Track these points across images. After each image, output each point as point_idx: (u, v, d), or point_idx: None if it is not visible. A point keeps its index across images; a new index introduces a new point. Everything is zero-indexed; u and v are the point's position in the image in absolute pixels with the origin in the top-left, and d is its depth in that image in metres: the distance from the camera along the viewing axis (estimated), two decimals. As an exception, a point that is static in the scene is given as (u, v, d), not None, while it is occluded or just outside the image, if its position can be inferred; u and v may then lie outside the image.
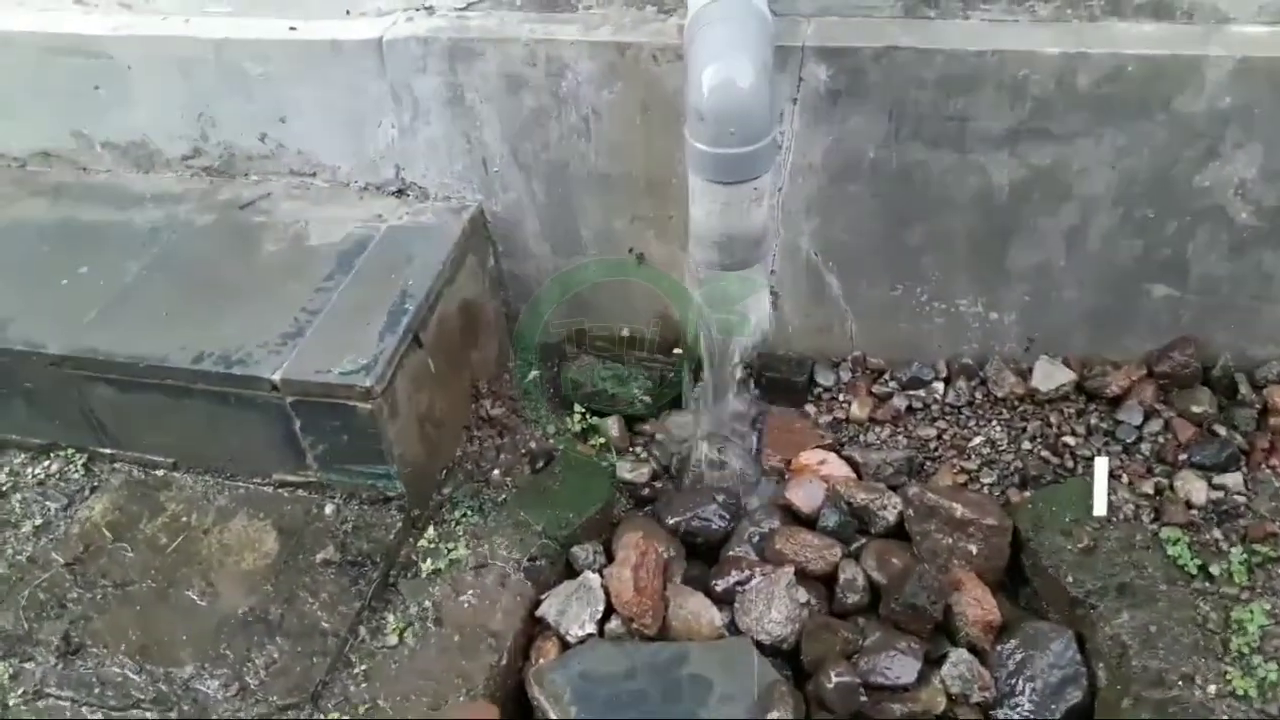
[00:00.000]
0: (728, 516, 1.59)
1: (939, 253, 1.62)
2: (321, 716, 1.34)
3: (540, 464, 1.69)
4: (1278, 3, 1.36)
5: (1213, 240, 1.50)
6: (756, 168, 1.30)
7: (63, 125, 1.85)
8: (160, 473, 1.65)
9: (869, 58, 1.43)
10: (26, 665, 1.42)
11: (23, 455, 1.70)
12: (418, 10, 1.58)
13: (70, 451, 1.68)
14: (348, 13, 1.61)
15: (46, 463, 1.69)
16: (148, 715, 1.35)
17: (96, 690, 1.39)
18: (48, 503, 1.63)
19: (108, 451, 1.67)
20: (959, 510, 1.48)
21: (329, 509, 1.57)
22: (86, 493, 1.64)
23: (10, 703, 1.39)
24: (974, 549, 1.47)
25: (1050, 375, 1.65)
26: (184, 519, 1.58)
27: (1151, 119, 1.40)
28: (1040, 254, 1.58)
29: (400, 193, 1.76)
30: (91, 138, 1.86)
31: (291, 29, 1.62)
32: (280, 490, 1.60)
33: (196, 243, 1.72)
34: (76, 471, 1.67)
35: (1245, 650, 1.29)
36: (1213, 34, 1.38)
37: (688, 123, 1.30)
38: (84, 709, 1.37)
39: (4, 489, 1.65)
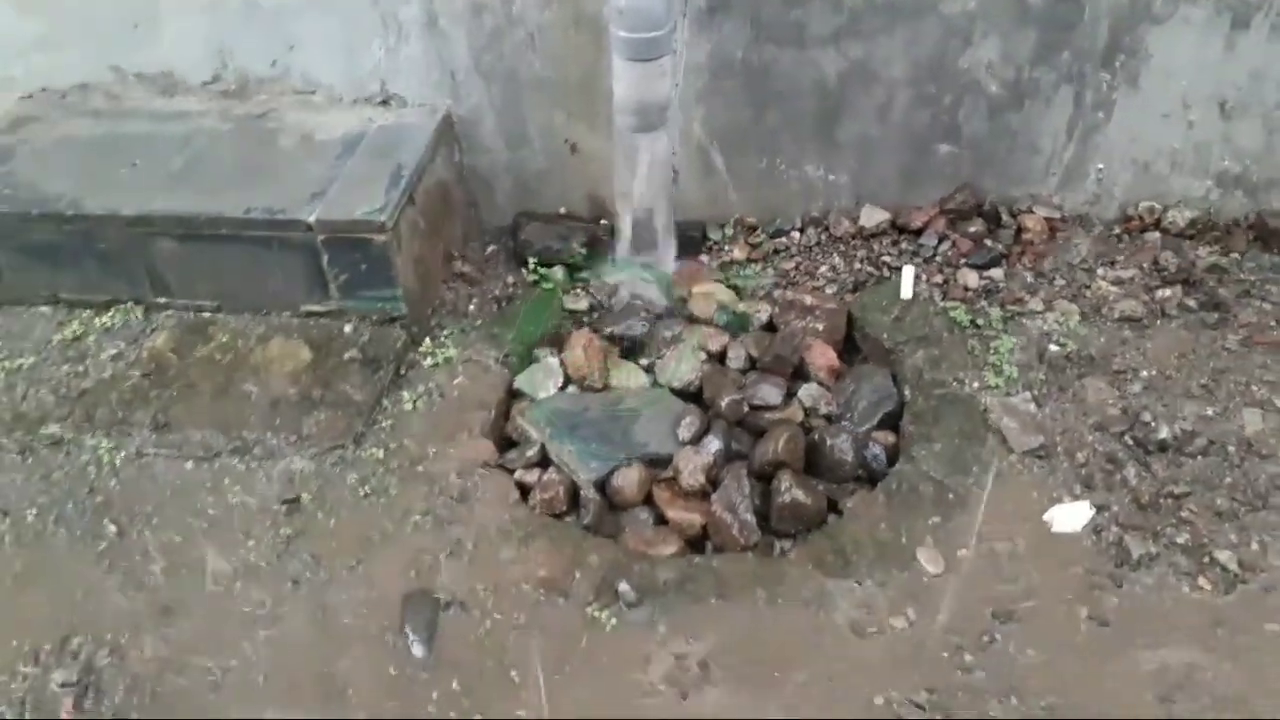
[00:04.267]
0: (648, 324, 2.15)
1: (791, 131, 2.22)
2: (362, 452, 1.85)
3: (504, 303, 2.23)
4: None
5: (974, 107, 2.14)
6: (660, 47, 1.89)
7: (102, 60, 2.30)
8: (207, 314, 2.12)
9: (733, -21, 2.04)
10: (126, 439, 1.88)
11: (88, 311, 2.14)
12: (402, -46, 2.12)
13: (130, 304, 2.13)
14: (344, -45, 2.14)
15: (110, 314, 2.13)
16: (230, 460, 1.84)
17: (186, 448, 1.86)
18: (118, 340, 2.08)
19: (162, 301, 2.12)
20: (808, 299, 2.09)
21: (348, 328, 2.07)
22: (148, 332, 2.09)
23: (117, 463, 1.84)
24: (820, 326, 2.07)
25: (872, 217, 2.27)
26: (231, 344, 2.06)
27: (926, 20, 2.03)
28: (860, 127, 2.19)
29: (385, 102, 2.27)
30: (125, 70, 2.31)
31: (300, -28, 2.14)
32: (307, 319, 2.09)
33: (225, 142, 2.20)
34: (136, 320, 2.12)
35: (997, 362, 1.91)
36: (961, -40, 2.03)
37: (611, 19, 1.87)
38: (179, 462, 1.84)
39: (80, 335, 2.09)
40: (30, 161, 2.16)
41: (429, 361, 2.03)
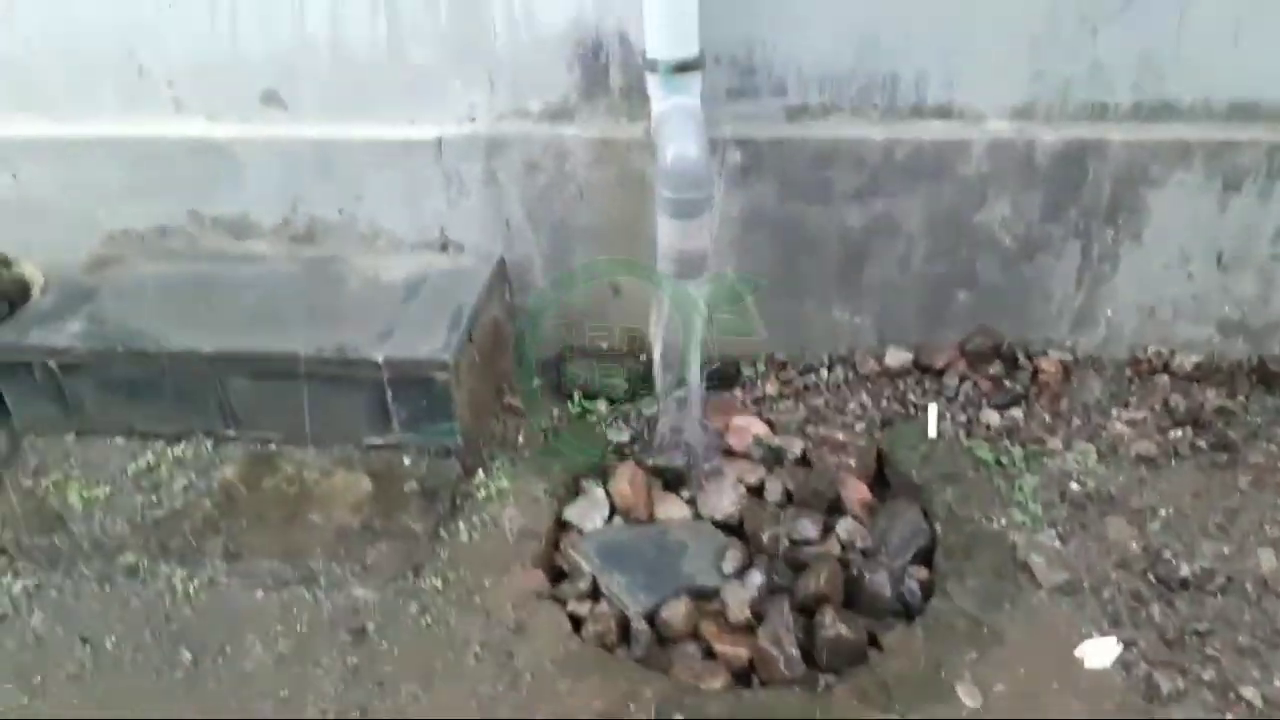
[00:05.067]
0: (687, 457, 2.28)
1: (818, 276, 2.39)
2: (422, 582, 1.95)
3: (550, 434, 2.36)
4: (1012, 107, 2.21)
5: (989, 258, 2.31)
6: (701, 207, 2.07)
7: (182, 205, 2.49)
8: (273, 447, 2.25)
9: (766, 145, 2.23)
10: (199, 567, 1.98)
11: (161, 442, 2.27)
12: (464, 119, 2.32)
13: (201, 436, 2.27)
14: (412, 121, 2.34)
15: (182, 445, 2.26)
16: (298, 589, 1.94)
17: (256, 577, 1.96)
18: (189, 471, 2.21)
19: (232, 433, 2.26)
20: (840, 436, 2.22)
21: (407, 460, 2.19)
22: (218, 464, 2.21)
23: (191, 592, 1.94)
24: (852, 462, 2.20)
25: (897, 357, 2.42)
26: (297, 475, 2.18)
27: (943, 180, 2.23)
28: (883, 274, 2.37)
29: (444, 247, 2.45)
30: (203, 215, 2.50)
31: (371, 133, 2.35)
32: (368, 452, 2.22)
33: (295, 283, 2.37)
34: (207, 451, 2.24)
35: (1022, 500, 2.03)
36: (975, 126, 2.21)
37: (658, 180, 2.06)
38: (250, 590, 1.94)
39: (153, 465, 2.21)
40: (114, 300, 2.32)
41: (482, 493, 2.15)
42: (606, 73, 2.24)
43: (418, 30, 2.21)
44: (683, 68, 2.04)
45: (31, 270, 2.45)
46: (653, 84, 2.08)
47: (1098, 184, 2.19)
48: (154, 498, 2.13)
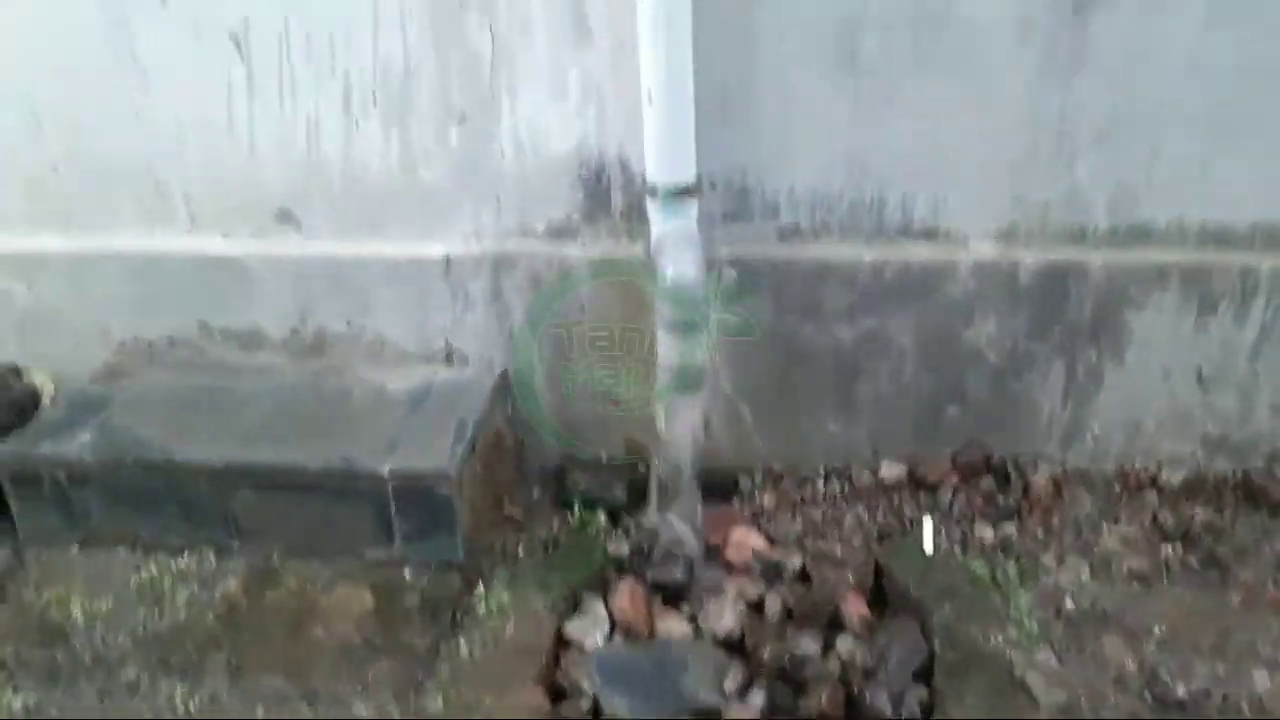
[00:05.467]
0: (687, 572, 2.30)
1: (812, 390, 2.45)
2: (424, 700, 1.95)
3: (550, 546, 2.39)
4: (995, 229, 2.31)
5: (977, 375, 2.38)
6: (699, 326, 2.15)
7: (192, 317, 2.55)
8: (276, 559, 2.27)
9: (760, 264, 2.32)
10: (200, 685, 1.97)
11: (164, 554, 2.28)
12: (472, 238, 2.41)
13: (204, 548, 2.28)
14: (421, 239, 2.42)
15: (185, 558, 2.27)
16: (300, 706, 1.93)
17: (257, 694, 1.96)
18: (192, 584, 2.22)
19: (235, 545, 2.27)
20: (838, 550, 2.25)
21: (408, 574, 2.21)
22: (221, 576, 2.23)
23: (192, 709, 1.94)
24: (851, 577, 2.22)
25: (891, 470, 2.47)
26: (300, 589, 2.19)
27: (930, 299, 2.31)
28: (875, 388, 2.43)
29: (449, 358, 2.52)
30: (212, 326, 2.56)
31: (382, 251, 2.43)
32: (370, 565, 2.24)
33: (302, 395, 2.42)
34: (210, 564, 2.25)
35: (1018, 617, 2.06)
36: (960, 247, 2.31)
37: (658, 299, 2.14)
38: (252, 707, 1.94)
39: (156, 577, 2.22)
40: (124, 412, 2.36)
41: (483, 608, 2.16)
42: (608, 195, 2.34)
43: (429, 154, 2.32)
44: (681, 193, 2.14)
45: (42, 380, 2.50)
46: (652, 207, 2.17)
47: (1080, 304, 2.28)
48: (156, 611, 2.13)
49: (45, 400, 2.45)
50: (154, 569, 2.24)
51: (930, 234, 2.28)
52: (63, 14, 2.25)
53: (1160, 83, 2.07)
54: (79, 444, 2.25)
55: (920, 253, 2.28)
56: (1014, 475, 2.43)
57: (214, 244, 2.47)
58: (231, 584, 2.19)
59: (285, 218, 2.43)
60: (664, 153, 2.11)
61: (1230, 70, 2.06)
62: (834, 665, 2.03)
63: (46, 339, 2.56)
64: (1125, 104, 2.10)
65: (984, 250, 2.27)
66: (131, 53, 2.27)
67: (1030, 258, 2.25)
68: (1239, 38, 2.02)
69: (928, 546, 2.27)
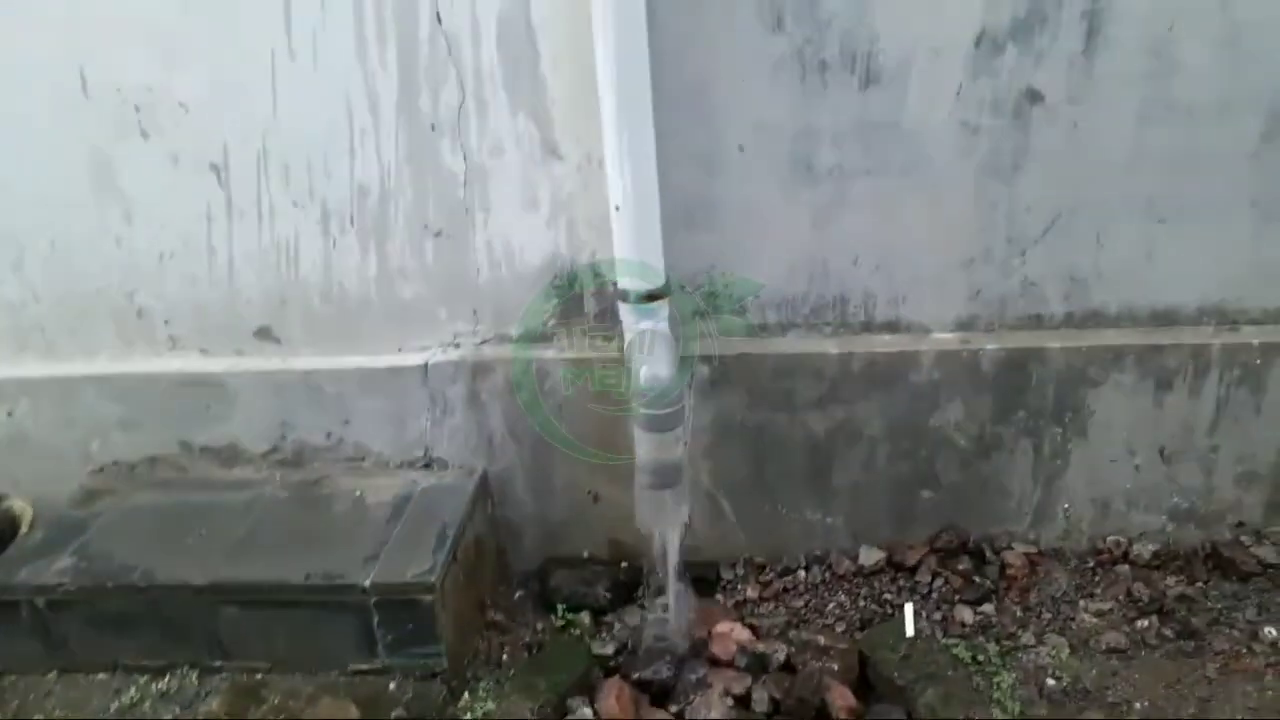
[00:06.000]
0: (673, 668, 2.30)
1: (789, 480, 2.50)
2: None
3: (534, 649, 2.39)
4: (955, 320, 2.40)
5: (948, 459, 2.45)
6: (675, 420, 2.20)
7: (172, 436, 2.57)
8: (259, 676, 2.25)
9: (731, 360, 2.39)
10: (183, 812, 1.95)
11: (145, 676, 2.26)
12: (449, 346, 2.47)
13: (185, 668, 2.26)
14: (400, 349, 2.48)
15: (166, 679, 2.24)
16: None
17: (242, 820, 1.93)
18: (173, 705, 2.19)
19: (218, 664, 2.25)
20: (822, 640, 2.27)
21: (393, 685, 2.19)
22: (203, 696, 2.20)
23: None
24: (835, 666, 2.23)
25: (869, 556, 2.50)
26: (283, 705, 2.17)
27: (897, 388, 2.39)
28: (850, 476, 2.48)
29: (428, 465, 2.55)
30: (193, 444, 2.58)
31: (361, 362, 2.48)
32: (354, 677, 2.23)
33: (283, 509, 2.43)
34: (191, 684, 2.23)
35: (1001, 698, 2.08)
36: (923, 339, 2.39)
37: (634, 398, 2.19)
38: (235, 833, 1.91)
39: (136, 700, 2.20)
40: (104, 535, 2.36)
41: (468, 716, 2.15)
42: (581, 300, 2.42)
43: (405, 269, 2.39)
44: (651, 297, 2.22)
45: (20, 506, 2.50)
46: (625, 311, 2.25)
47: (1041, 387, 2.36)
48: (136, 737, 2.11)
49: (23, 526, 2.45)
50: (135, 692, 2.21)
51: (893, 327, 2.37)
52: (47, 147, 2.32)
53: (1100, 177, 2.20)
54: (58, 570, 2.25)
55: (885, 344, 2.36)
56: (990, 555, 2.48)
57: (194, 362, 2.51)
58: (214, 704, 2.17)
59: (264, 334, 2.48)
60: (634, 259, 2.20)
61: (1164, 163, 2.19)
62: (823, 758, 2.03)
63: (25, 463, 2.57)
64: (1069, 198, 2.22)
65: (946, 340, 2.36)
66: (114, 184, 2.34)
67: (991, 345, 2.34)
68: (1170, 133, 2.16)
69: (909, 630, 2.29)
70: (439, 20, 2.14)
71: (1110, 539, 2.46)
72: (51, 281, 2.47)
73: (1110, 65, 2.09)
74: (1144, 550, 2.42)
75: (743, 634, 2.38)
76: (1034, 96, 2.13)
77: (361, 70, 2.19)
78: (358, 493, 2.47)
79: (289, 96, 2.23)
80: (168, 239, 2.39)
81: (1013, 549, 2.47)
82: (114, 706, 2.18)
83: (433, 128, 2.24)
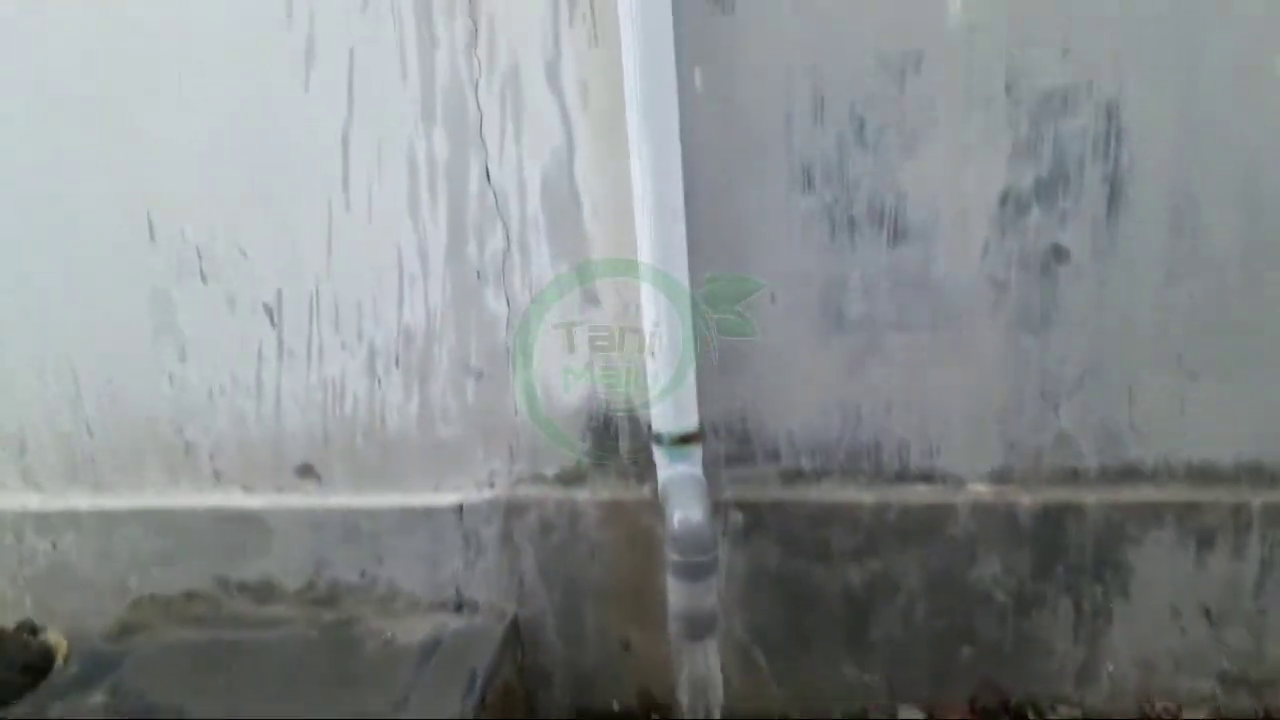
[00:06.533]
0: (702, 830, 2.22)
1: (824, 633, 2.45)
2: None
3: (560, 804, 2.32)
4: (989, 473, 2.39)
5: (987, 615, 2.39)
6: (708, 570, 2.19)
7: (210, 572, 2.60)
8: (277, 824, 2.20)
9: (766, 507, 2.39)
10: None
11: (162, 821, 2.23)
12: (485, 485, 2.50)
13: (204, 813, 2.22)
14: (436, 488, 2.51)
15: (184, 824, 2.21)
16: None
17: None
18: None
19: (237, 810, 2.22)
20: (860, 804, 2.18)
21: (414, 839, 2.14)
22: (219, 844, 2.16)
23: None
24: (874, 833, 2.15)
25: (909, 715, 2.42)
26: None
27: (933, 540, 2.36)
28: (887, 630, 2.43)
29: (459, 607, 2.54)
30: (230, 580, 2.60)
31: (397, 500, 2.52)
32: (374, 829, 2.17)
33: (314, 650, 2.42)
34: (208, 829, 2.20)
35: None
36: (959, 490, 2.39)
37: (667, 545, 2.19)
38: None
39: (151, 846, 2.16)
40: (136, 672, 2.36)
41: None
42: (616, 441, 2.45)
43: (446, 409, 2.45)
44: (685, 439, 2.25)
45: (56, 638, 2.52)
46: (658, 453, 2.28)
47: (1080, 543, 2.32)
48: None
49: (59, 660, 2.46)
50: (152, 839, 2.17)
51: (927, 477, 2.37)
52: (112, 287, 2.44)
53: (1130, 332, 2.23)
54: (90, 706, 2.24)
55: (920, 495, 2.36)
56: (1032, 717, 2.39)
57: (235, 498, 2.56)
58: None
59: (305, 472, 2.53)
60: (667, 402, 2.24)
61: (1192, 318, 2.21)
62: None
63: (64, 595, 2.60)
64: (1099, 353, 2.24)
65: (981, 492, 2.35)
66: (172, 323, 2.45)
67: (1027, 498, 2.32)
68: (1197, 290, 2.19)
69: (952, 797, 2.20)
70: (488, 178, 2.27)
71: (1158, 704, 2.37)
72: (104, 416, 2.55)
73: (1133, 225, 2.15)
74: (1194, 716, 2.32)
75: (776, 795, 2.30)
76: (1060, 254, 2.19)
77: (413, 222, 2.31)
78: (388, 634, 2.46)
79: (343, 245, 2.35)
80: (219, 377, 2.48)
81: (1056, 711, 2.38)
82: None
83: (478, 275, 2.34)
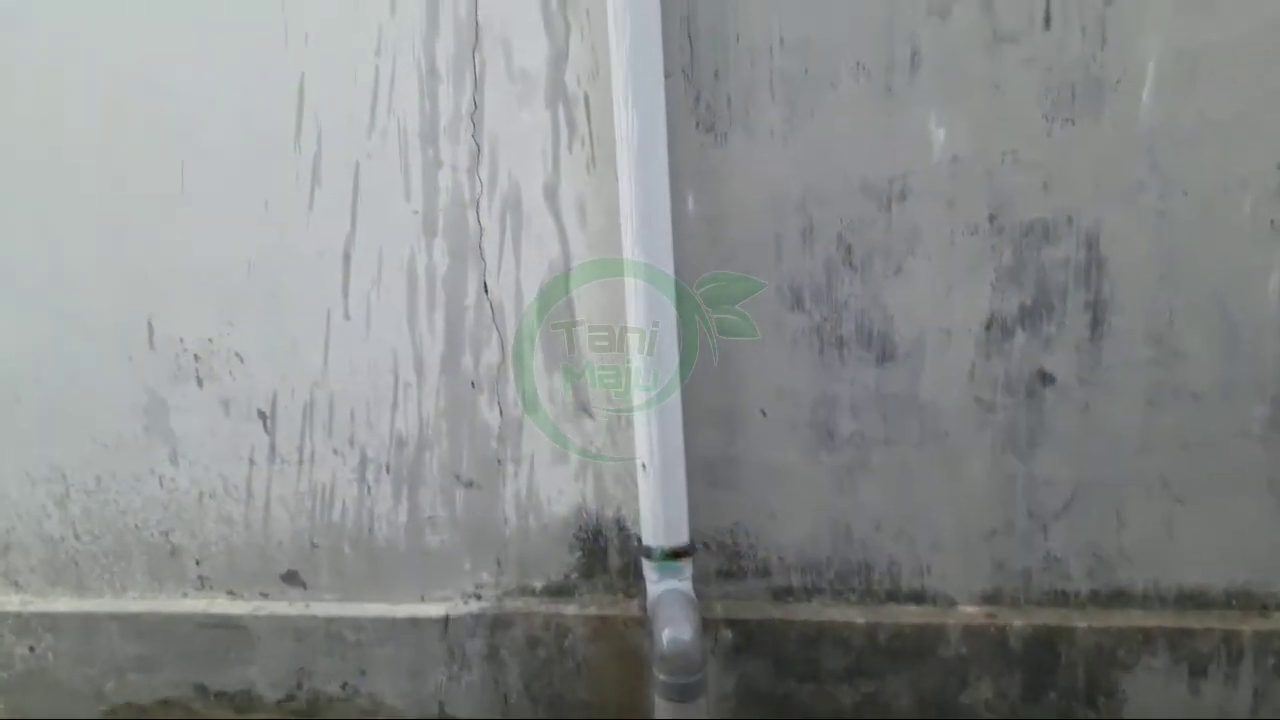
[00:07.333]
0: None
1: (813, 755, 2.42)
2: None
3: None
4: (980, 594, 2.37)
5: (980, 739, 2.37)
6: (696, 692, 2.15)
7: (189, 679, 2.54)
8: None
9: (755, 625, 2.37)
10: None
11: None
12: (471, 598, 2.48)
13: None
14: (422, 598, 2.49)
15: None
16: None
17: None
18: None
19: None
20: None
21: None
22: None
23: None
24: None
25: (900, 843, 2.36)
26: None
27: (924, 662, 2.33)
28: (878, 753, 2.40)
29: (441, 722, 2.49)
30: (209, 688, 2.55)
31: (383, 610, 2.49)
32: None
33: (289, 763, 2.38)
34: None
35: None
36: (949, 611, 2.37)
37: (655, 664, 2.16)
38: None
39: None
40: (104, 784, 2.30)
41: None
42: (605, 554, 2.44)
43: (435, 518, 2.45)
44: (675, 555, 2.24)
45: (25, 747, 2.46)
46: (648, 567, 2.26)
47: (1071, 667, 2.30)
48: None
49: (26, 770, 2.39)
50: None
51: (918, 597, 2.35)
52: (108, 391, 2.46)
53: (1115, 456, 2.25)
54: (54, 821, 2.18)
55: (910, 616, 2.34)
56: None
57: (219, 604, 2.53)
58: None
59: (291, 579, 2.51)
60: (658, 517, 2.24)
61: (1176, 444, 2.24)
62: None
63: (39, 700, 2.55)
64: (1086, 475, 2.26)
65: (972, 614, 2.33)
66: (165, 426, 2.46)
67: (1018, 621, 2.30)
68: (1178, 416, 2.22)
69: None
70: (485, 290, 2.32)
71: (1161, 832, 2.31)
72: (91, 518, 2.54)
73: (1116, 351, 2.19)
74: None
75: None
76: (1046, 378, 2.22)
77: (410, 333, 2.35)
78: (367, 749, 2.41)
79: (340, 353, 2.38)
80: (209, 480, 2.48)
81: (1055, 841, 2.32)
82: None
83: (472, 385, 2.36)
